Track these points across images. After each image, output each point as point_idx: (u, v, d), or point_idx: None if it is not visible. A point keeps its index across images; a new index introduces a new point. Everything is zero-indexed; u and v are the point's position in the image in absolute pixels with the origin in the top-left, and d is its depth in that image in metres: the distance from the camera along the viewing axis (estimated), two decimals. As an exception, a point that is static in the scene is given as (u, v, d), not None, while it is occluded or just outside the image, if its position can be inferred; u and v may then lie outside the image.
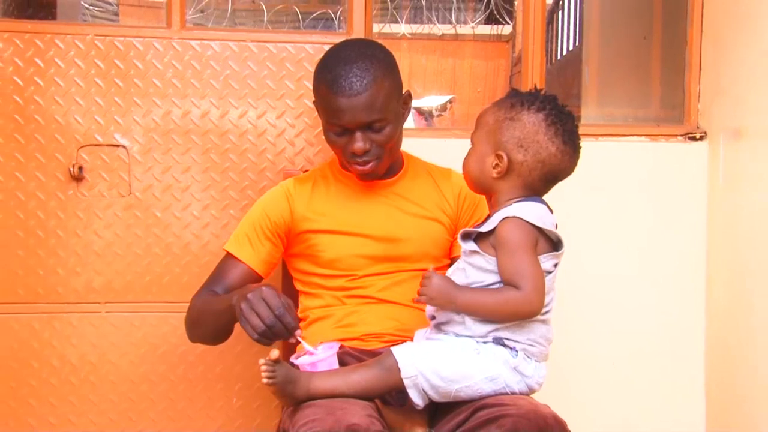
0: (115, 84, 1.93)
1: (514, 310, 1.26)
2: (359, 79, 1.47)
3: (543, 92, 1.35)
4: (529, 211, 1.28)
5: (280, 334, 1.33)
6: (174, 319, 1.95)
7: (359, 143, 1.50)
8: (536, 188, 1.34)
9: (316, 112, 1.62)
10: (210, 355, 1.97)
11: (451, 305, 1.30)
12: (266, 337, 1.33)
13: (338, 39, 1.78)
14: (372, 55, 1.52)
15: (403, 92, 1.58)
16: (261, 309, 1.32)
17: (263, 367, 1.27)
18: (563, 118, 1.32)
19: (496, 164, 1.32)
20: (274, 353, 1.28)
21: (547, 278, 1.31)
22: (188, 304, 1.62)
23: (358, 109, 1.47)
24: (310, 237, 1.58)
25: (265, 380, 1.28)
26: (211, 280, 1.62)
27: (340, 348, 1.46)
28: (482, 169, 1.34)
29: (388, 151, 1.55)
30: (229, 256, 1.62)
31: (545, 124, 1.31)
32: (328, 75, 1.50)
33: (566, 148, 1.31)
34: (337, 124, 1.51)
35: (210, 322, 1.55)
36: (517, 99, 1.33)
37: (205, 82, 1.95)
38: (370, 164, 1.53)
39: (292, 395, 1.31)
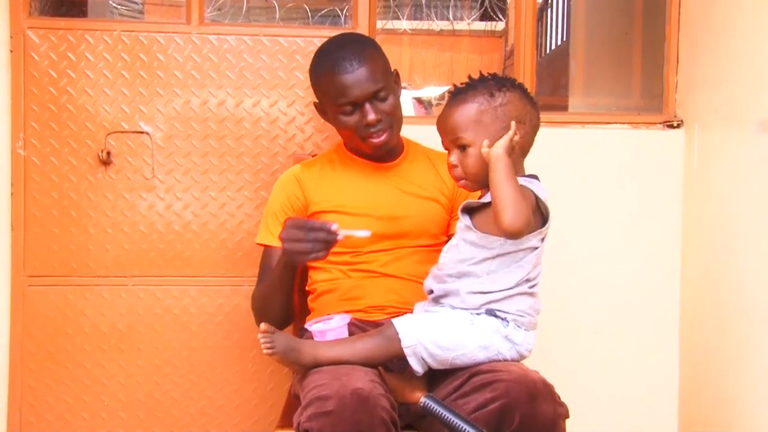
0: (140, 76, 1.90)
1: (523, 208, 1.19)
2: (356, 55, 1.49)
3: (486, 75, 1.34)
4: (530, 184, 1.27)
5: (325, 239, 1.34)
6: (194, 291, 1.94)
7: (371, 114, 1.50)
8: (527, 152, 1.33)
9: (317, 112, 1.62)
10: (227, 324, 1.96)
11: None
12: (319, 250, 1.34)
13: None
14: (359, 38, 1.58)
15: (392, 70, 1.60)
16: (296, 235, 1.34)
17: (261, 339, 1.26)
18: (526, 89, 1.34)
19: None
20: (262, 326, 1.28)
21: (535, 253, 1.29)
22: (251, 297, 1.61)
23: (363, 80, 1.48)
24: (319, 216, 1.56)
25: (265, 350, 1.26)
26: (260, 275, 1.60)
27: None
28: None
29: (396, 122, 1.55)
30: (267, 248, 1.59)
31: (525, 96, 1.32)
32: (327, 63, 1.51)
33: (538, 109, 1.34)
34: (346, 102, 1.50)
35: (275, 298, 1.51)
36: (490, 87, 1.30)
37: (221, 74, 1.92)
38: (385, 134, 1.52)
39: (298, 362, 1.30)
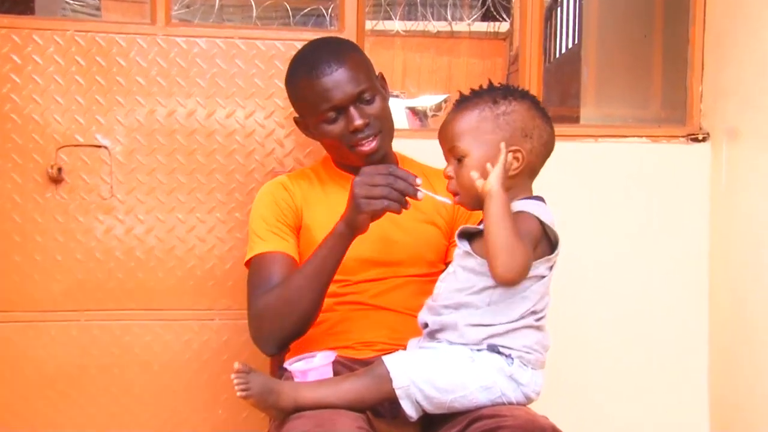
0: (97, 82, 1.91)
1: (517, 256, 1.21)
2: (334, 56, 1.54)
3: (497, 84, 1.37)
4: (535, 208, 1.29)
5: (404, 190, 1.34)
6: (158, 327, 1.94)
7: (357, 119, 1.53)
8: (536, 173, 1.36)
9: (299, 128, 1.66)
10: (195, 364, 1.96)
11: None
12: (394, 200, 1.34)
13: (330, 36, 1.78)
14: (337, 39, 1.65)
15: (377, 73, 1.64)
16: (372, 179, 1.35)
17: (235, 380, 1.26)
18: (537, 101, 1.37)
19: (510, 161, 1.31)
20: (236, 365, 1.27)
21: (542, 282, 1.31)
22: (249, 318, 1.52)
23: (344, 82, 1.52)
24: (306, 234, 1.58)
25: (239, 393, 1.27)
26: (258, 286, 1.52)
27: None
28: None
29: (386, 126, 1.58)
30: (260, 257, 1.54)
31: (534, 108, 1.35)
32: (303, 68, 1.56)
33: (551, 125, 1.36)
34: (328, 108, 1.53)
35: (309, 291, 1.44)
36: (495, 94, 1.34)
37: (191, 81, 1.94)
38: (375, 141, 1.55)
39: (276, 406, 1.30)
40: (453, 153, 1.34)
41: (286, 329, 1.48)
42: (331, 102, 1.53)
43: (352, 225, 1.41)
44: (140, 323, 1.94)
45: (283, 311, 1.47)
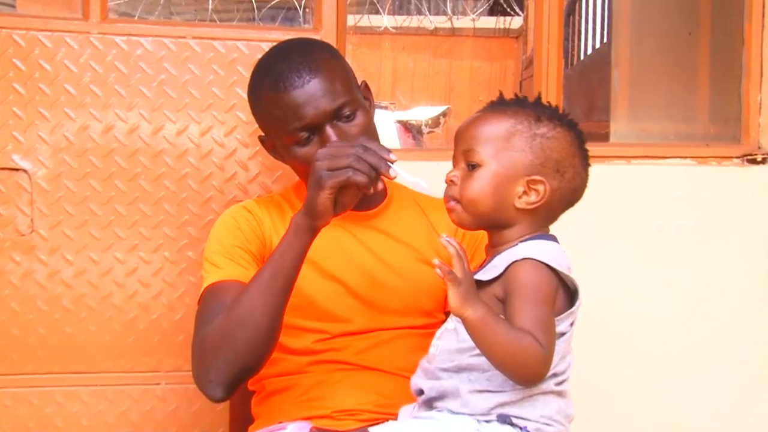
0: (15, 90, 1.93)
1: (526, 361, 1.24)
2: (306, 63, 1.56)
3: (547, 102, 1.40)
4: (544, 252, 1.30)
5: (375, 164, 1.36)
6: (87, 394, 1.94)
7: (334, 139, 1.53)
8: (553, 220, 1.38)
9: (265, 149, 1.68)
10: (134, 441, 1.96)
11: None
12: (361, 171, 1.35)
13: (304, 35, 1.81)
14: (309, 42, 1.66)
15: (359, 82, 1.67)
16: (339, 151, 1.38)
17: None
18: (584, 138, 1.39)
19: (525, 192, 1.33)
20: None
21: (563, 340, 1.32)
22: (192, 356, 1.52)
23: (318, 96, 1.54)
24: None
25: None
26: (202, 319, 1.53)
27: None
28: (502, 198, 1.33)
29: None
30: (212, 288, 1.55)
31: (578, 144, 1.37)
32: (268, 78, 1.58)
33: (588, 172, 1.39)
34: (299, 127, 1.55)
35: (263, 302, 1.43)
36: (541, 111, 1.36)
37: (133, 89, 1.96)
38: None
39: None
40: (466, 157, 1.36)
41: (236, 359, 1.45)
42: (302, 120, 1.55)
43: (312, 210, 1.40)
44: (65, 390, 1.93)
45: (231, 333, 1.44)
